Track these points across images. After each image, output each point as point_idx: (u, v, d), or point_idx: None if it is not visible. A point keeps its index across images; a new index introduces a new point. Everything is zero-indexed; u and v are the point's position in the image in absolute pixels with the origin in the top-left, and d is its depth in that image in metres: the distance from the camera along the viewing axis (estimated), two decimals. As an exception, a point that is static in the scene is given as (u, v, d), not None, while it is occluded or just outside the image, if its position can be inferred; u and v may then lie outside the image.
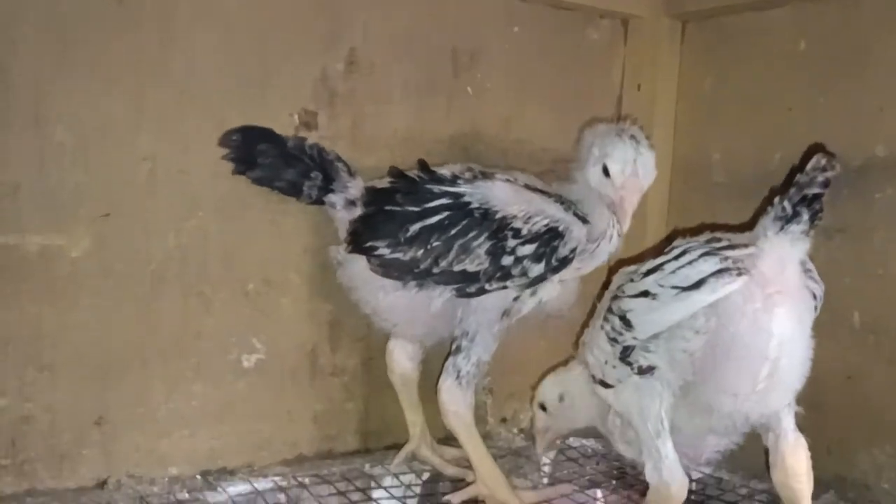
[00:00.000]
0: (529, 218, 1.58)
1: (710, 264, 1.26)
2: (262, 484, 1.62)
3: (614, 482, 1.87)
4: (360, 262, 1.61)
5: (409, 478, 1.74)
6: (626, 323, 1.38)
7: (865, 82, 1.68)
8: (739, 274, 1.24)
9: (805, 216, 1.25)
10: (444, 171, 1.65)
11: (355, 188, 1.63)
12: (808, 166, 1.26)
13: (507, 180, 1.67)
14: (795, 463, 1.37)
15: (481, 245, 1.56)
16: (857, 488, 1.66)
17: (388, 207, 1.58)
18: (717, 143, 1.99)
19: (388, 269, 1.58)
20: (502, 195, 1.62)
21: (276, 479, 1.64)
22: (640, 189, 1.58)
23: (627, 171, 1.57)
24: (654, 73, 2.09)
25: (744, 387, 1.31)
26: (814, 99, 1.77)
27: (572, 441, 2.00)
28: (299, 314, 1.76)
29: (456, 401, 1.61)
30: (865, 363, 1.68)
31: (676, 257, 1.31)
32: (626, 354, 1.40)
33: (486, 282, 1.57)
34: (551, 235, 1.58)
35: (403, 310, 1.63)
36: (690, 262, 1.28)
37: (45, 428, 1.52)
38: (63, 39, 1.48)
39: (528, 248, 1.57)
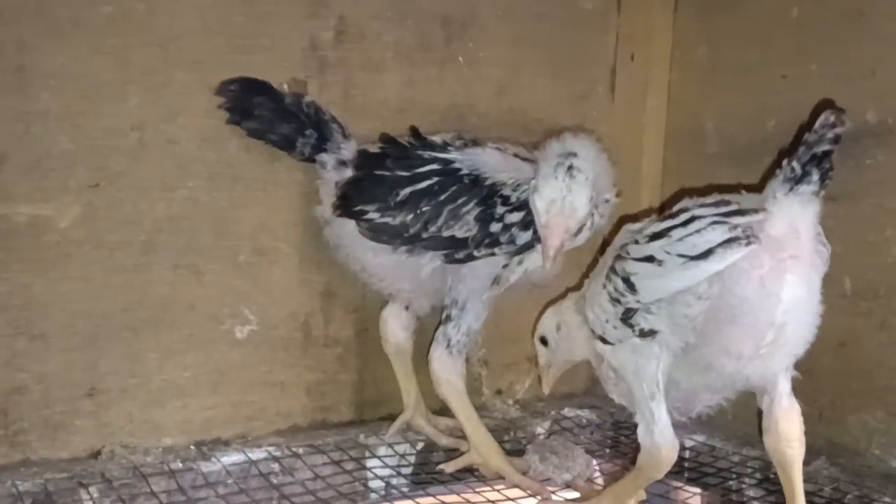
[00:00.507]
0: (518, 186, 1.59)
1: (719, 233, 1.22)
2: (256, 454, 1.62)
3: (608, 451, 1.88)
4: (349, 222, 1.61)
5: (403, 447, 1.74)
6: (630, 286, 1.35)
7: (857, 48, 1.67)
8: (748, 243, 1.20)
9: (815, 176, 1.22)
10: (435, 138, 1.66)
11: (348, 150, 1.63)
12: (817, 123, 1.22)
13: (497, 148, 1.67)
14: (788, 428, 1.36)
15: (470, 211, 1.57)
16: (848, 454, 1.67)
17: (378, 172, 1.58)
18: (710, 112, 1.98)
19: (377, 233, 1.58)
20: (492, 162, 1.63)
21: (270, 448, 1.64)
22: (567, 228, 1.49)
23: (553, 209, 1.48)
24: (648, 42, 2.08)
25: (747, 350, 1.30)
26: (806, 66, 1.76)
27: (567, 412, 2.01)
28: (291, 285, 1.75)
29: (447, 369, 1.62)
30: (857, 329, 1.68)
31: (684, 223, 1.27)
32: (627, 316, 1.37)
33: (474, 248, 1.57)
34: None
35: (392, 271, 1.64)
36: (699, 231, 1.24)
37: (38, 398, 1.52)
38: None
39: (517, 216, 1.57)
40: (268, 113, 1.59)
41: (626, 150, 2.11)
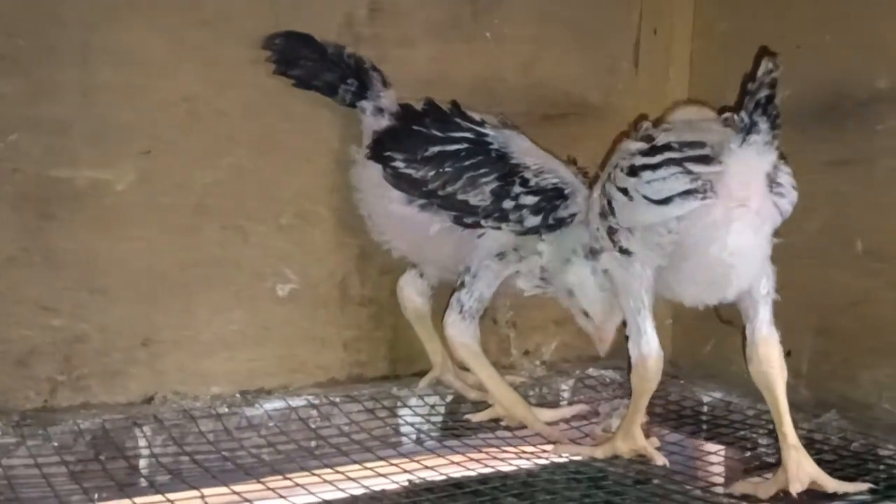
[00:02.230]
0: (541, 172, 1.71)
1: (680, 183, 1.33)
2: (296, 401, 1.74)
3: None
4: (373, 167, 1.72)
5: (433, 399, 1.85)
6: (611, 208, 1.49)
7: (869, 17, 1.73)
8: (704, 197, 1.32)
9: (763, 124, 1.28)
10: (476, 115, 1.77)
11: (387, 98, 1.74)
12: (758, 72, 1.28)
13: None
14: (768, 352, 1.47)
15: (489, 183, 1.69)
16: (858, 408, 1.73)
17: (415, 126, 1.70)
18: (731, 83, 2.02)
19: (399, 180, 1.69)
20: (523, 145, 1.76)
21: (310, 397, 1.76)
22: None
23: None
24: (670, 16, 2.15)
25: (703, 281, 1.45)
26: (821, 36, 1.82)
27: (591, 371, 2.10)
28: (330, 247, 1.87)
29: (460, 333, 1.72)
30: (869, 289, 1.75)
31: (654, 167, 1.38)
32: (611, 233, 1.51)
33: (483, 217, 1.68)
34: (555, 194, 1.70)
35: (398, 224, 1.74)
36: (664, 179, 1.36)
37: (98, 346, 1.66)
38: (107, -21, 1.61)
39: (531, 199, 1.69)
40: (312, 63, 1.70)
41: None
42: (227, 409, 1.68)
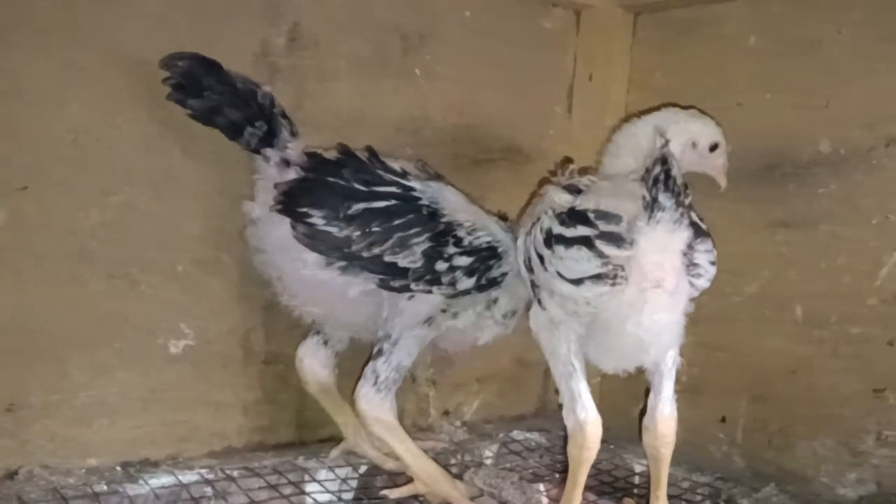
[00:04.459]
0: (474, 230, 1.57)
1: (592, 266, 1.28)
2: (188, 476, 1.54)
3: (557, 476, 1.83)
4: (280, 225, 1.51)
5: (344, 471, 1.68)
6: (529, 266, 1.43)
7: (812, 78, 1.68)
8: (613, 284, 1.27)
9: (668, 201, 1.21)
10: (395, 165, 1.59)
11: (294, 149, 1.54)
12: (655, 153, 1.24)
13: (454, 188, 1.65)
14: (665, 431, 1.45)
15: (420, 244, 1.53)
16: (797, 481, 1.67)
17: (332, 179, 1.51)
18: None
19: (315, 240, 1.49)
20: (453, 200, 1.61)
21: (203, 471, 1.56)
22: None
23: None
24: (606, 63, 2.07)
25: (619, 353, 1.41)
26: (762, 94, 1.76)
27: (515, 434, 1.98)
28: (232, 298, 1.68)
29: (374, 407, 1.55)
30: (809, 357, 1.69)
31: (567, 243, 1.31)
32: (533, 286, 1.45)
33: (413, 280, 1.52)
34: (489, 254, 1.58)
35: (314, 288, 1.55)
36: (576, 260, 1.30)
37: (-48, 413, 1.42)
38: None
39: (465, 260, 1.55)
40: (218, 96, 1.47)
41: (582, 170, 2.09)
42: (105, 488, 1.46)
